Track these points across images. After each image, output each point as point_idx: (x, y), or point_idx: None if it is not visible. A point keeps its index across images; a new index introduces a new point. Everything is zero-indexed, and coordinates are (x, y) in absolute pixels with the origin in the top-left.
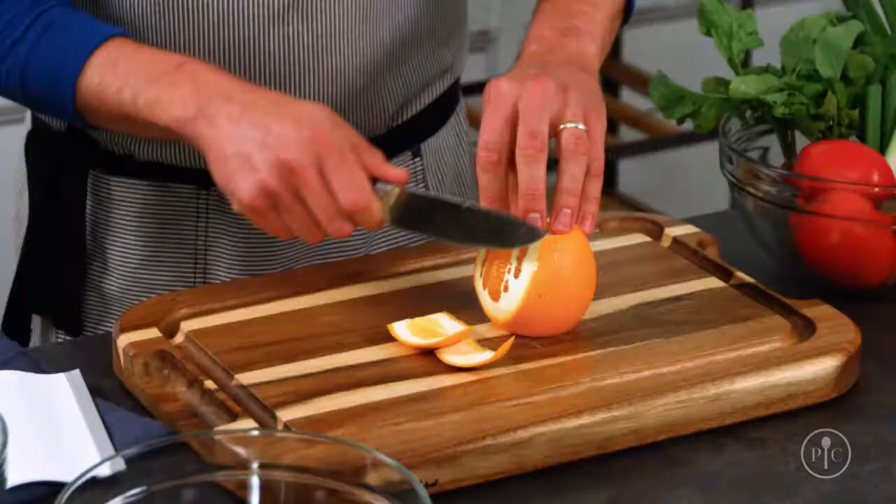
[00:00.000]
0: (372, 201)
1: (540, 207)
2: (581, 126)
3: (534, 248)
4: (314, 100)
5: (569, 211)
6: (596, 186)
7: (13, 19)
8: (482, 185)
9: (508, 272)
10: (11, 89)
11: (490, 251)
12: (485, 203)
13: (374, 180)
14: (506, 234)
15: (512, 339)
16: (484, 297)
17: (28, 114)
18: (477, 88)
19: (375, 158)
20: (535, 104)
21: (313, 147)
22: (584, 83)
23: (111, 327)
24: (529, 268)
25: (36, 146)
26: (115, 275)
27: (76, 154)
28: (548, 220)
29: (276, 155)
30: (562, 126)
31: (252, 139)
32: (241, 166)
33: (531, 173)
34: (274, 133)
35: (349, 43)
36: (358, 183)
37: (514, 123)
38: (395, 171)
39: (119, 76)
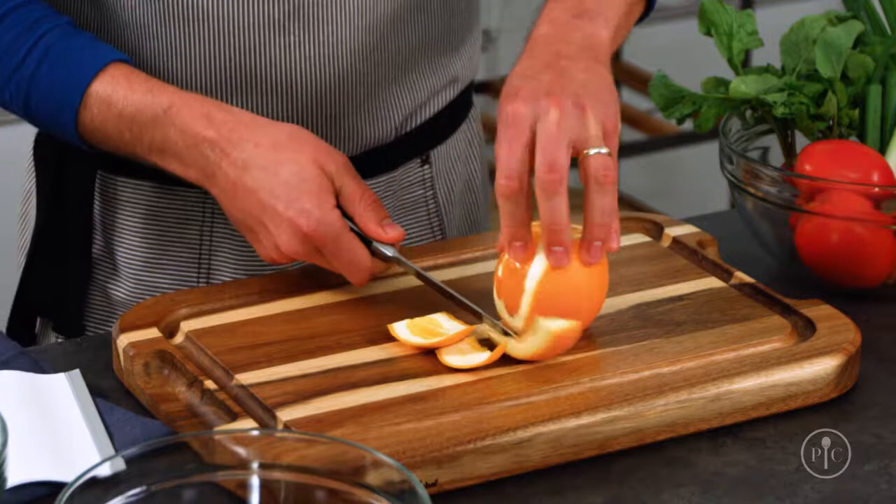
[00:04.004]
0: (373, 271)
1: (564, 241)
2: (604, 150)
3: (536, 271)
4: (317, 109)
5: (599, 244)
6: (615, 214)
7: (13, 43)
8: (504, 213)
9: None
10: (17, 112)
11: (502, 259)
12: (506, 229)
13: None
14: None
15: (507, 342)
16: (500, 305)
17: None
18: (477, 88)
19: (369, 215)
20: (554, 130)
21: (307, 240)
22: (598, 86)
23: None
24: (536, 274)
25: (44, 148)
26: (122, 278)
27: (84, 155)
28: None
29: (277, 244)
30: (586, 152)
31: (251, 216)
32: (251, 236)
33: (552, 206)
34: (268, 224)
35: (352, 53)
36: (357, 264)
37: (532, 146)
38: (390, 232)
39: (114, 117)
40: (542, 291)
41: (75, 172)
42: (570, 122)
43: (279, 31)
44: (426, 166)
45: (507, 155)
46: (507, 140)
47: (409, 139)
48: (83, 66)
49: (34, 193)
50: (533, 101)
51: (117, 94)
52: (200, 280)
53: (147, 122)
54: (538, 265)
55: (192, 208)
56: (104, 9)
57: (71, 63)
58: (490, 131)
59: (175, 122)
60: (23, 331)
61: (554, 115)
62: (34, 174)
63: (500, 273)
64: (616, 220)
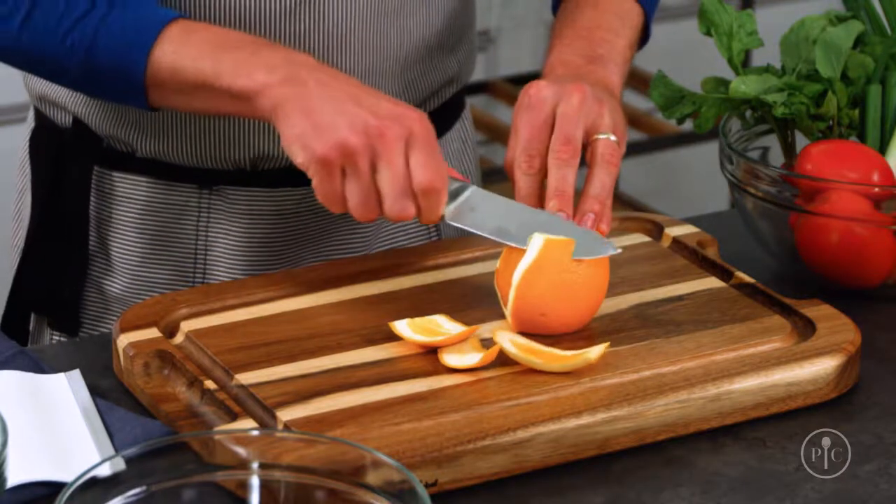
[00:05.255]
0: (445, 186)
1: (567, 209)
2: (613, 138)
3: (533, 246)
4: None
5: (593, 215)
6: (610, 196)
7: None
8: (519, 187)
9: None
10: (71, 67)
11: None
12: (520, 201)
13: None
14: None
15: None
16: (499, 296)
17: (31, 112)
18: (477, 88)
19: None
20: (573, 111)
21: (406, 121)
22: (614, 104)
23: (109, 328)
24: (521, 268)
25: (40, 143)
26: (116, 273)
27: (80, 150)
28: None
29: (367, 119)
30: (596, 136)
31: (343, 101)
32: (326, 123)
33: (562, 175)
34: (366, 102)
35: (359, 42)
36: (438, 165)
37: (551, 127)
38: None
39: (195, 45)
40: (523, 285)
41: (72, 168)
42: (589, 108)
43: (288, 18)
44: None
45: (530, 133)
46: (529, 119)
47: None
48: (157, 9)
49: (28, 191)
50: (557, 86)
51: (199, 27)
52: (196, 276)
53: (234, 45)
54: (526, 260)
55: (188, 204)
56: None
57: (145, 6)
58: (488, 131)
59: (271, 47)
60: (17, 328)
61: (576, 99)
62: (28, 172)
63: (499, 264)
64: (608, 207)
